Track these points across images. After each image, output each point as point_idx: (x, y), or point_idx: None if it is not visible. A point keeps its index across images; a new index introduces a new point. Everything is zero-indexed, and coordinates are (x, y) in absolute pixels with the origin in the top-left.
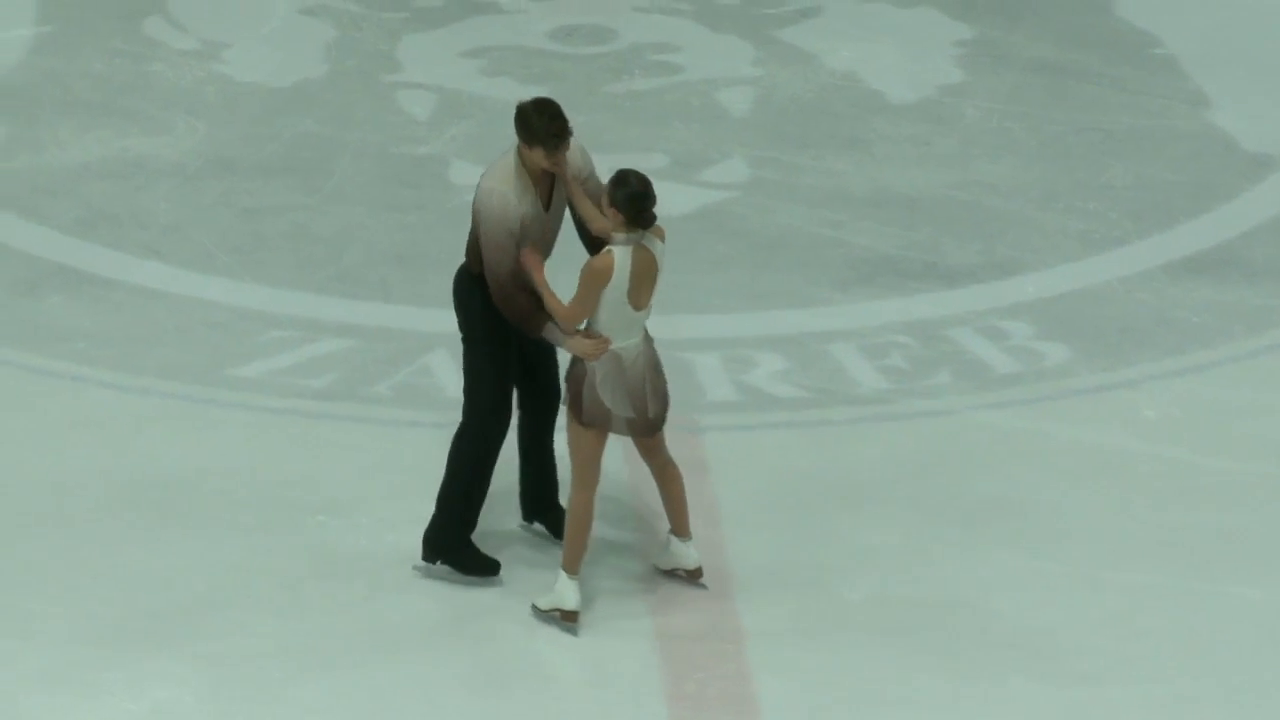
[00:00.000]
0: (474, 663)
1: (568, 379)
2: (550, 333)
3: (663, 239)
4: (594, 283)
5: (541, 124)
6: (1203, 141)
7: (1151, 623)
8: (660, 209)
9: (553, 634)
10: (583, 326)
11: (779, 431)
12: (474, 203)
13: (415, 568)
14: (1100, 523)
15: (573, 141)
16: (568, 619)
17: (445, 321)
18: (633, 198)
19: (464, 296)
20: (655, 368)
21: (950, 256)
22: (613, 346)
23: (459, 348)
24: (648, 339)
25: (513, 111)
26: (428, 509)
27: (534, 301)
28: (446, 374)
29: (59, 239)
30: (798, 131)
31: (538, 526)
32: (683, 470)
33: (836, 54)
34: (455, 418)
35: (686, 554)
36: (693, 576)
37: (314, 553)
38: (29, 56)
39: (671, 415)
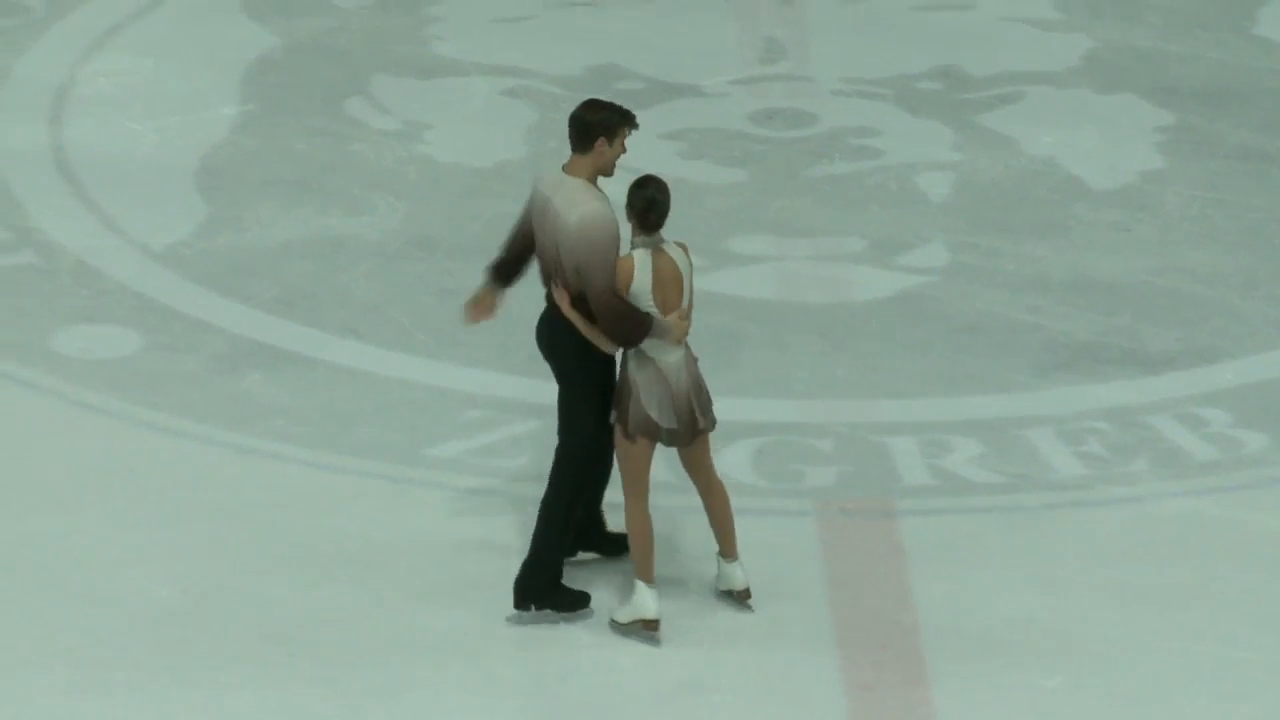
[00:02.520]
0: None
1: (615, 393)
2: (657, 329)
3: (686, 252)
4: (619, 279)
5: (614, 113)
6: None
7: None
8: (858, 293)
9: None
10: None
11: (975, 516)
12: (573, 234)
13: (508, 619)
14: None
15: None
16: (649, 628)
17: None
18: (642, 202)
19: (555, 342)
20: (697, 379)
21: (1149, 343)
22: (652, 357)
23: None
24: (690, 352)
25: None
26: (623, 585)
27: (634, 308)
28: None
29: (259, 317)
30: (997, 216)
31: (580, 555)
32: (878, 554)
33: (1037, 139)
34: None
35: (733, 575)
36: (740, 598)
37: (510, 631)
38: (232, 136)
39: (867, 499)
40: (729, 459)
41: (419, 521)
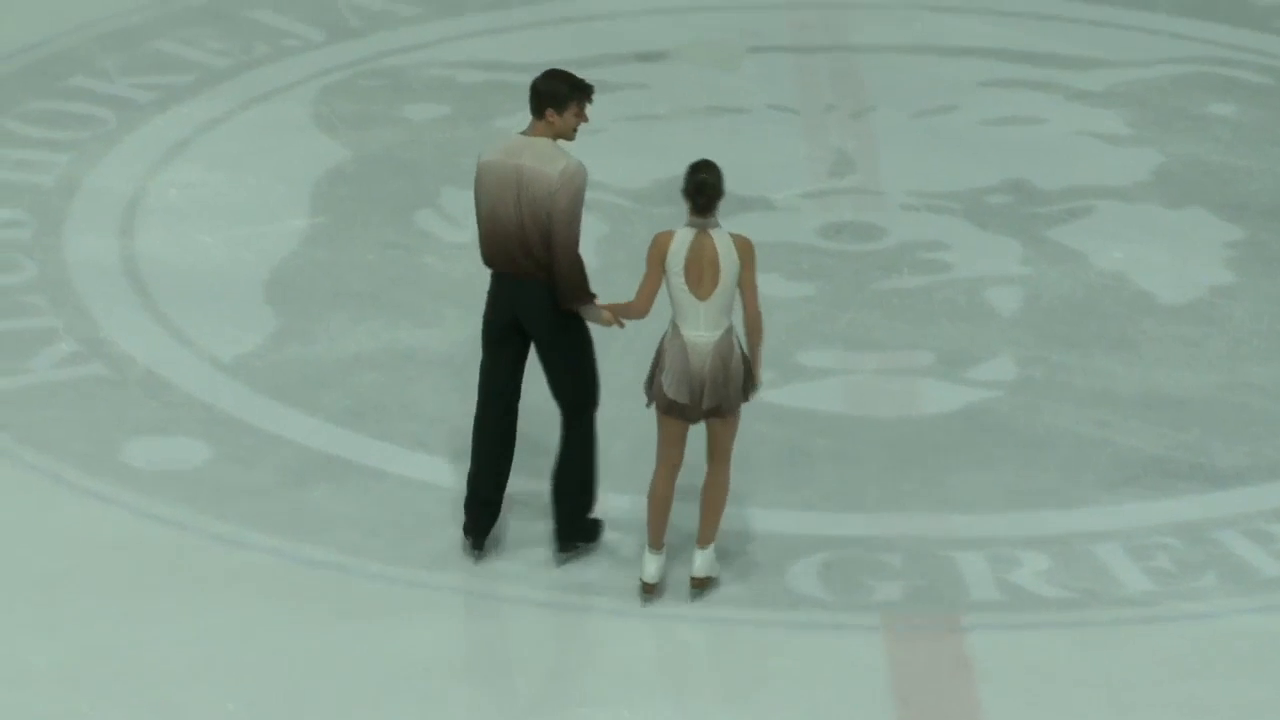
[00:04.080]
0: None
1: (652, 364)
2: (590, 309)
3: (740, 244)
4: (651, 256)
5: (564, 83)
6: None
7: None
8: (927, 407)
9: None
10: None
11: (1043, 632)
12: (558, 182)
13: (559, 564)
14: None
15: None
16: (646, 590)
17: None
18: (693, 185)
19: (543, 308)
20: (725, 370)
21: (1218, 458)
22: (683, 334)
23: (727, 543)
24: (729, 341)
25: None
26: (691, 704)
27: (585, 277)
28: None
29: (328, 429)
30: (1066, 331)
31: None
32: (946, 670)
33: (1106, 254)
34: (703, 611)
35: (695, 560)
36: (692, 583)
37: None
38: (302, 248)
39: (934, 612)
40: (797, 572)
41: (488, 633)
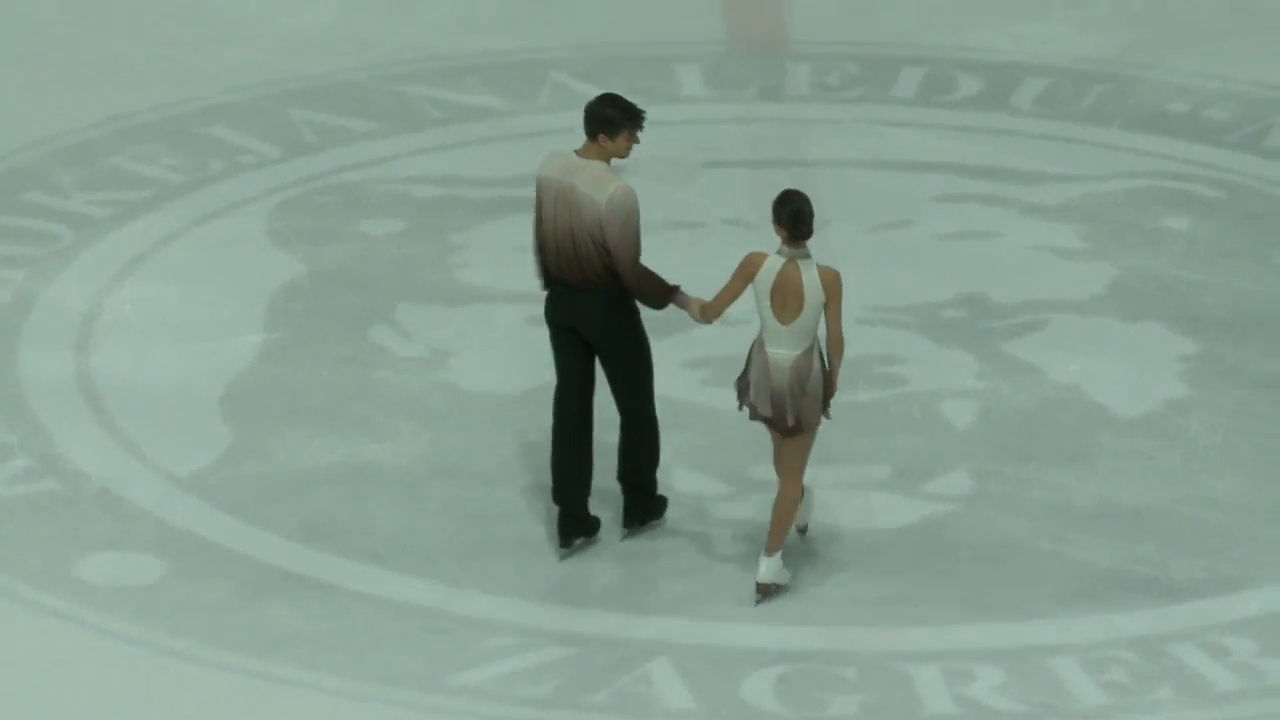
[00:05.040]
0: None
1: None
2: (680, 298)
3: (827, 278)
4: (739, 270)
5: (618, 110)
6: None
7: None
8: (883, 521)
9: None
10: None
11: None
12: (605, 211)
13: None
14: None
15: None
16: (759, 590)
17: (669, 630)
18: (791, 214)
19: (598, 316)
20: (801, 387)
21: (1173, 571)
22: (767, 349)
23: (683, 656)
24: (808, 359)
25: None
26: None
27: (659, 278)
28: (668, 683)
29: (284, 545)
30: (1021, 444)
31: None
32: None
33: (1061, 367)
34: None
35: (761, 565)
36: (758, 588)
37: None
38: (257, 363)
39: None
40: (752, 685)
41: None
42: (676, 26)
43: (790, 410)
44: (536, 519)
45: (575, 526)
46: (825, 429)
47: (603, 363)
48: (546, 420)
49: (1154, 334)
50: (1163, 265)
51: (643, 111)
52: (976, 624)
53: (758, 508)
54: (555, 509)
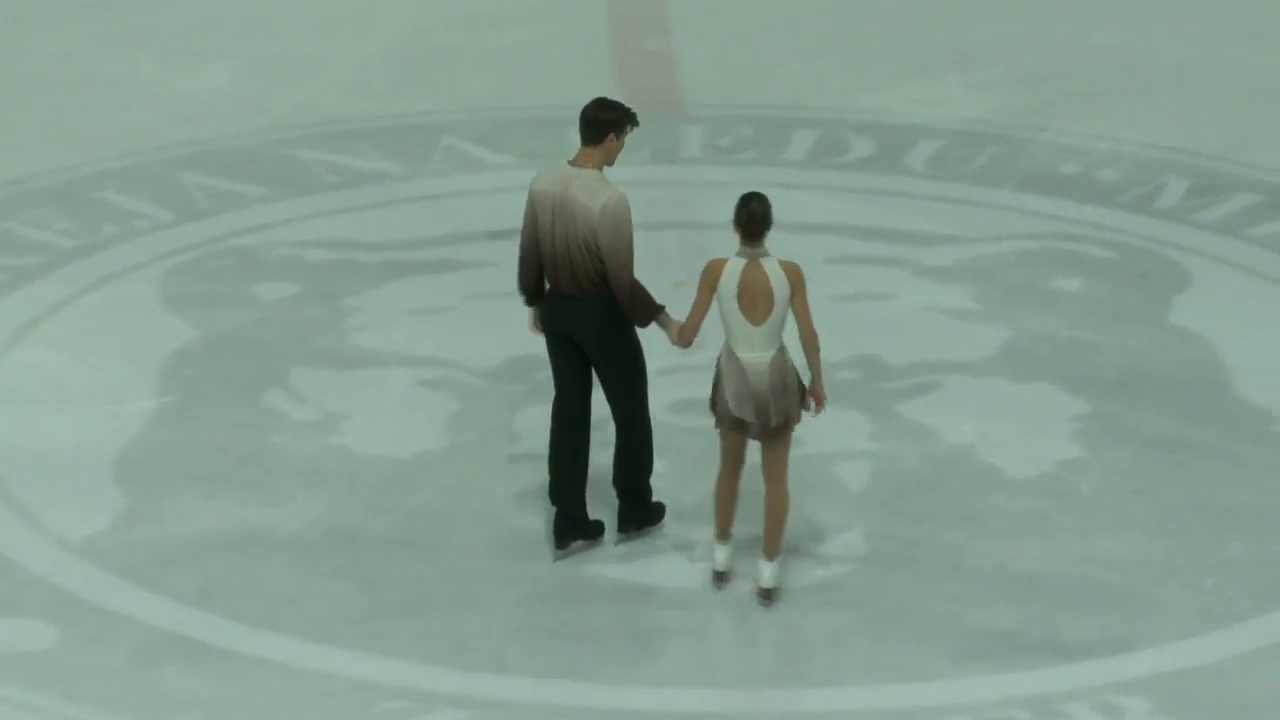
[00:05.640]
0: None
1: (713, 386)
2: (663, 318)
3: (790, 270)
4: (702, 280)
5: (620, 111)
6: None
7: None
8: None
9: None
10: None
11: None
12: (599, 218)
13: (616, 543)
14: None
15: None
16: (717, 579)
17: (564, 693)
18: (746, 214)
19: (592, 324)
20: (783, 384)
21: (1067, 631)
22: (739, 356)
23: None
24: (782, 357)
25: None
26: None
27: (648, 295)
28: None
29: (178, 609)
30: (916, 506)
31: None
32: None
33: (955, 428)
34: None
35: (762, 571)
36: (761, 593)
37: None
38: (150, 428)
39: None
40: None
41: None
42: (569, 90)
43: (775, 410)
44: (429, 584)
45: (572, 528)
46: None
47: (597, 370)
48: (439, 483)
49: (1047, 394)
50: (1055, 326)
51: (635, 112)
52: (870, 685)
53: (648, 571)
54: (553, 510)
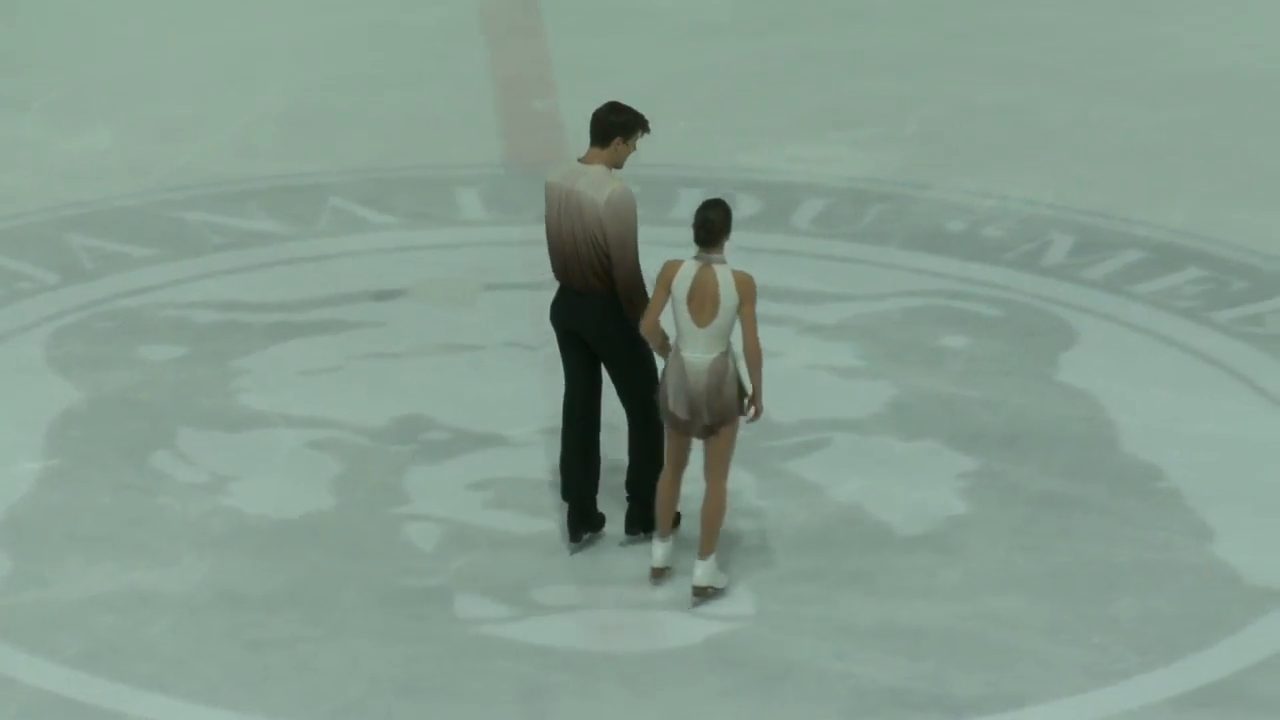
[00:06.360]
0: None
1: (659, 381)
2: (643, 319)
3: (740, 280)
4: (659, 278)
5: (631, 115)
6: (1207, 575)
7: None
8: (667, 641)
9: None
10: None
11: None
12: (604, 210)
13: (622, 543)
14: None
15: None
16: (653, 574)
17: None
18: (700, 221)
19: (599, 321)
20: (719, 386)
21: (955, 688)
22: (682, 354)
23: None
24: (724, 361)
25: None
26: None
27: (645, 292)
28: None
29: (64, 672)
30: (804, 563)
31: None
32: None
33: (842, 486)
34: None
35: (696, 569)
36: (694, 590)
37: None
38: (35, 490)
39: None
40: None
41: None
42: (455, 150)
43: (707, 411)
44: (317, 645)
45: (584, 522)
46: (603, 552)
47: (606, 367)
48: (327, 543)
49: (934, 452)
50: (942, 383)
51: (646, 118)
52: None
53: (537, 630)
54: (565, 505)
